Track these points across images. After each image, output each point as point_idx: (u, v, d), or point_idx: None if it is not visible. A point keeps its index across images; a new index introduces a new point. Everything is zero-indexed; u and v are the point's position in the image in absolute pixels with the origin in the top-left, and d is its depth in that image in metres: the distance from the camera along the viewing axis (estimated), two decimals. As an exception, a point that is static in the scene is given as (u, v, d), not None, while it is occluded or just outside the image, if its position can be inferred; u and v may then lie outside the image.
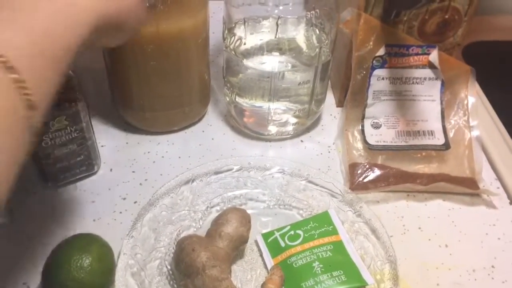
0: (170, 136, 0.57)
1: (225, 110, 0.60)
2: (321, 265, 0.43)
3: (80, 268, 0.38)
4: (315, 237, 0.46)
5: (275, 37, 0.52)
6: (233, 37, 0.51)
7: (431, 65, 0.55)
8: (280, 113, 0.55)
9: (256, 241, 0.47)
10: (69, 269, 0.38)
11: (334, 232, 0.46)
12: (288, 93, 0.53)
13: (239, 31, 0.51)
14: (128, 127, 0.57)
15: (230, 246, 0.43)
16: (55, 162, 0.47)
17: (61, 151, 0.47)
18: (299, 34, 0.53)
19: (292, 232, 0.46)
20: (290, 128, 0.56)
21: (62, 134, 0.45)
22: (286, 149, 0.57)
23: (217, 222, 0.44)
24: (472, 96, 0.57)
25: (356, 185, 0.52)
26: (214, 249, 0.41)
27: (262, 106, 0.54)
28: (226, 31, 0.52)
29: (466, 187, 0.52)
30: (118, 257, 0.43)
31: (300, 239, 0.46)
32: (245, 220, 0.44)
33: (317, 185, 0.51)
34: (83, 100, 0.45)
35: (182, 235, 0.45)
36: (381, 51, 0.53)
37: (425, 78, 0.55)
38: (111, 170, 0.52)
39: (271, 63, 0.53)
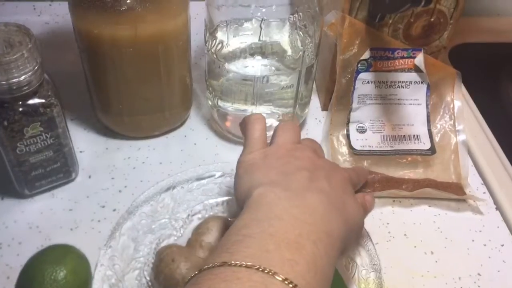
0: (151, 141, 0.55)
1: (208, 114, 0.59)
2: (304, 275, 0.42)
3: (54, 281, 0.37)
4: (299, 245, 0.45)
5: (259, 40, 0.50)
6: (214, 40, 0.50)
7: (416, 69, 0.54)
8: (264, 117, 0.54)
9: (238, 250, 0.46)
10: (42, 283, 0.37)
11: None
12: (272, 97, 0.52)
13: (221, 34, 0.50)
14: (108, 132, 0.55)
15: (211, 256, 0.41)
16: (31, 169, 0.45)
17: (37, 158, 0.45)
18: (283, 37, 0.52)
19: (275, 241, 0.45)
20: (274, 132, 0.55)
21: (37, 140, 0.44)
22: (270, 154, 0.55)
23: (198, 232, 0.43)
24: (458, 100, 0.56)
25: (341, 191, 0.51)
26: (195, 260, 0.40)
27: (246, 110, 0.53)
28: (208, 34, 0.50)
29: (452, 193, 0.51)
30: (96, 268, 0.41)
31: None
32: (227, 228, 0.43)
33: (301, 191, 0.50)
34: (59, 106, 0.44)
35: (162, 245, 0.44)
36: (366, 55, 0.53)
37: (410, 82, 0.54)
38: (89, 177, 0.51)
39: (255, 66, 0.52)
